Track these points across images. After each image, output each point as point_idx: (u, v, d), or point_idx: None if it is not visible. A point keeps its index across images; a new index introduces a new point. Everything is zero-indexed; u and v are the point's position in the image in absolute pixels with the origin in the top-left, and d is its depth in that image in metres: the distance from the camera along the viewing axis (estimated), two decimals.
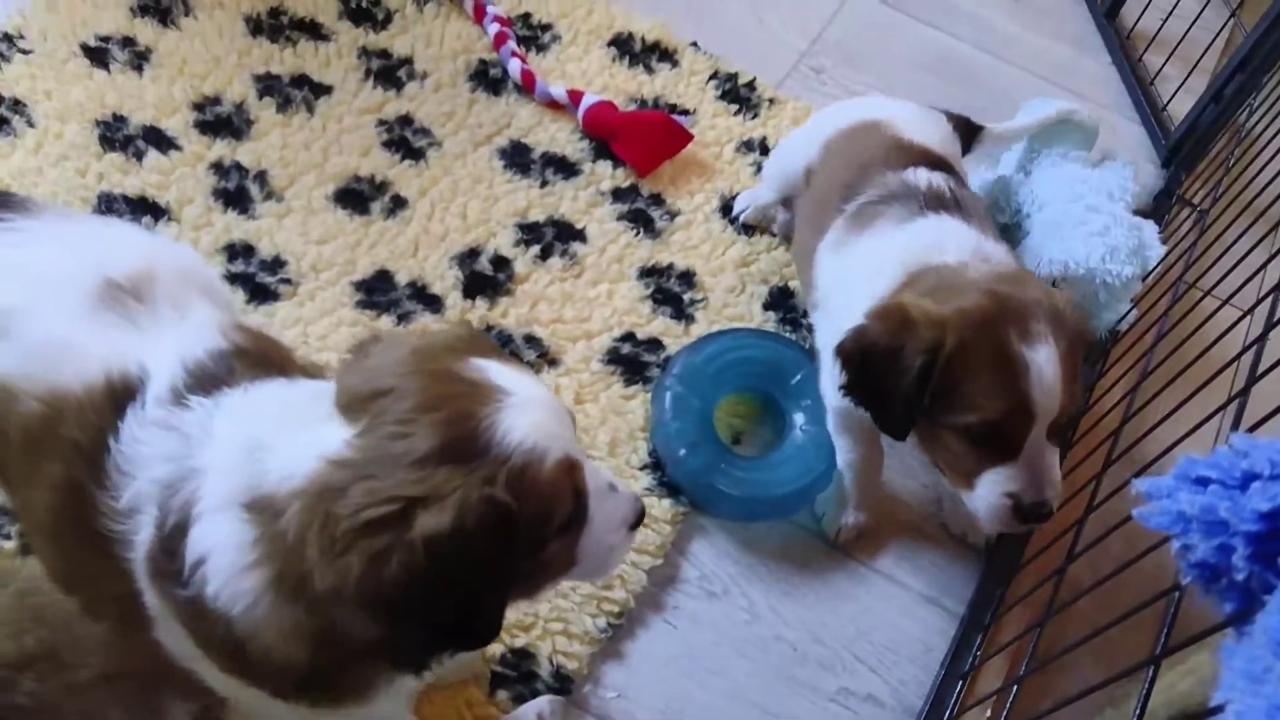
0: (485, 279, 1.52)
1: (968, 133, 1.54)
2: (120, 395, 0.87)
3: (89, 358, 0.89)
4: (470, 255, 1.54)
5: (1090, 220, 1.50)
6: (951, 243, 1.23)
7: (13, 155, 1.52)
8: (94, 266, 0.94)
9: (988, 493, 1.14)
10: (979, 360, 1.10)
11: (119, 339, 0.91)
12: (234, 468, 0.80)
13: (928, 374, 1.11)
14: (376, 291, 1.48)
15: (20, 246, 0.97)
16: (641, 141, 1.66)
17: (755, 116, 1.78)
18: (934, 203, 1.28)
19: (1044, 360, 1.09)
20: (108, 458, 0.85)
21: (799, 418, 1.42)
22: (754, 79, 1.82)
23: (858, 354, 1.15)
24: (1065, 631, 1.12)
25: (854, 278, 1.26)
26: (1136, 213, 1.62)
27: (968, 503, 1.18)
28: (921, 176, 1.31)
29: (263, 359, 0.93)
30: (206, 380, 0.88)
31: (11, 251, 0.96)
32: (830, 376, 1.26)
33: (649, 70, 1.81)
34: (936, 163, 1.36)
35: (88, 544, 0.86)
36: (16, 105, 1.57)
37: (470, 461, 0.76)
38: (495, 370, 0.83)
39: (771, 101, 1.80)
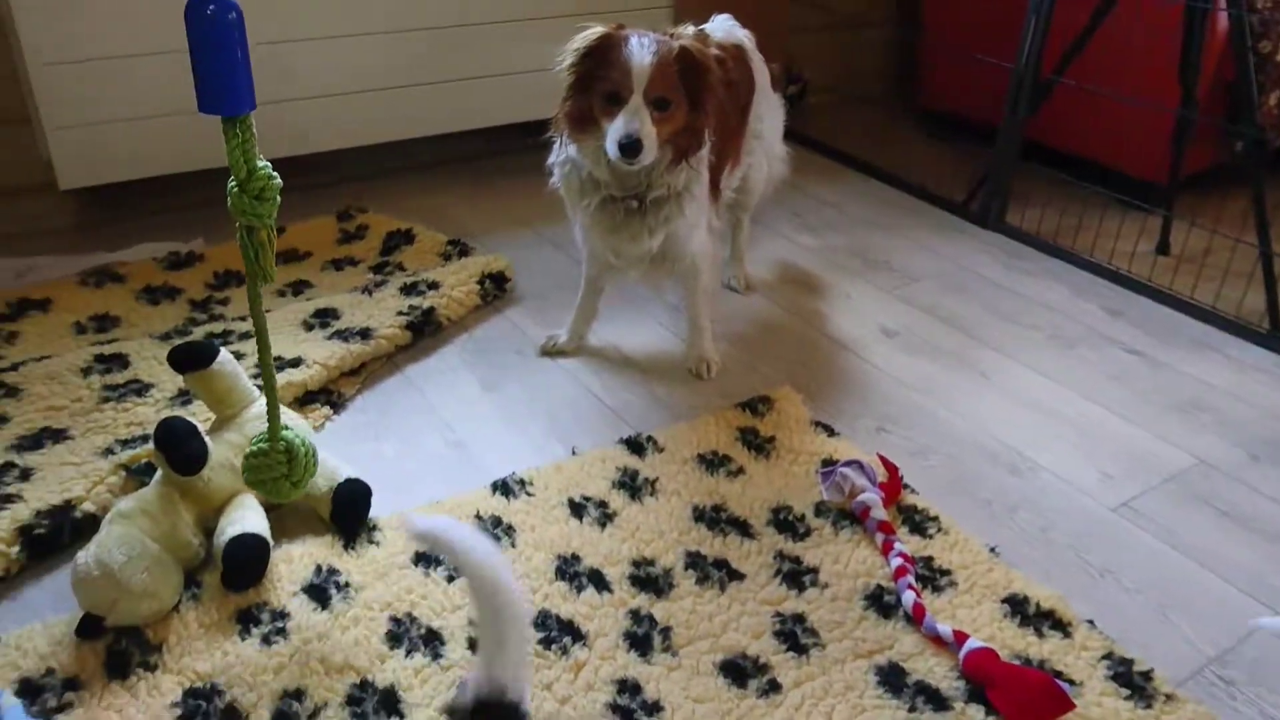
0: None
1: None
2: None
3: None
4: None
5: None
6: None
7: None
8: None
9: None
10: None
11: None
12: None
13: None
14: None
15: None
16: (1020, 697, 1.67)
17: (1148, 707, 1.72)
18: None
19: None
20: None
21: None
22: (1152, 670, 1.79)
23: None
24: None
25: None
26: None
27: None
28: None
29: None
30: None
31: None
32: None
33: (1039, 634, 1.86)
34: None
35: None
36: (509, 529, 2.02)
37: None
38: None
39: (1169, 697, 1.74)
